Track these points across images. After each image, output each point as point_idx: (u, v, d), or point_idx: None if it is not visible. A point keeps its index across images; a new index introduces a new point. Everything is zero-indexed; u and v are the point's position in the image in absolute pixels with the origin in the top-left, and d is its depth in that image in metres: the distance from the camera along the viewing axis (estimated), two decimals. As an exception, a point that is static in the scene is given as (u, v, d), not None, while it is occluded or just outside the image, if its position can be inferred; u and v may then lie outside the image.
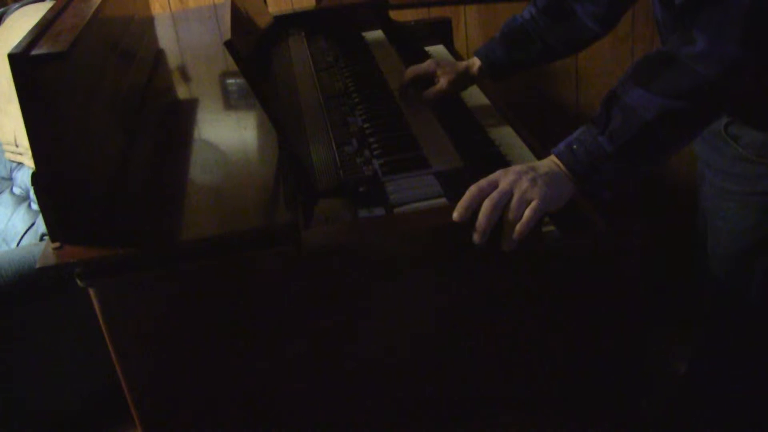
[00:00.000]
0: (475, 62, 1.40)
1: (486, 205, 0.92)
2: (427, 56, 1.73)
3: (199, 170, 1.11)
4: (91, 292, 0.91)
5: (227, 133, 1.24)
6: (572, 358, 1.07)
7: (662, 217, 2.13)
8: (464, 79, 1.41)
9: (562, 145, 0.98)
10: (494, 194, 0.92)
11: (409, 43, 1.81)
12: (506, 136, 1.31)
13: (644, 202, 2.18)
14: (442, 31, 1.87)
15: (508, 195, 0.93)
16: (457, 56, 1.76)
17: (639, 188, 2.17)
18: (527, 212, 0.92)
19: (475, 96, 1.48)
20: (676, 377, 1.73)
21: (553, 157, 0.99)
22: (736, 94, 0.95)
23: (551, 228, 1.04)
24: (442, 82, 1.38)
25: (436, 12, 2.07)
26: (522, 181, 0.93)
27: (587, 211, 1.09)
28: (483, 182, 0.94)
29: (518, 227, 0.91)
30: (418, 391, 1.06)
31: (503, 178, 0.94)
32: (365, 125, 1.28)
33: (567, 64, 2.09)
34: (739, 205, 1.16)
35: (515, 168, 0.96)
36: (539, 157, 1.22)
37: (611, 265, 1.00)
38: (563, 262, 0.98)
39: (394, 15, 1.93)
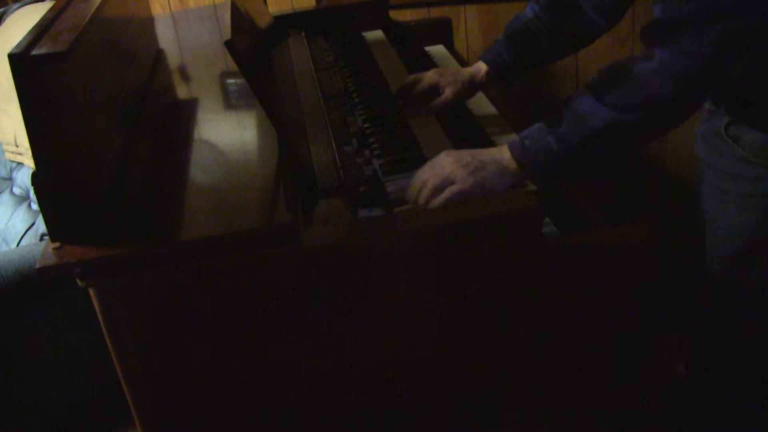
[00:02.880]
0: (482, 68, 1.40)
1: (415, 181, 1.05)
2: (427, 56, 1.73)
3: (199, 170, 1.11)
4: (91, 292, 0.91)
5: (227, 133, 1.24)
6: (572, 357, 1.07)
7: (662, 217, 2.13)
8: (470, 87, 1.40)
9: (516, 138, 1.03)
10: (429, 175, 1.03)
11: (409, 43, 1.81)
12: (506, 135, 1.31)
13: (644, 202, 2.18)
14: (442, 31, 1.87)
15: (441, 176, 1.02)
16: (458, 56, 1.76)
17: (639, 189, 2.17)
18: (445, 193, 1.01)
19: (476, 98, 1.48)
20: (676, 378, 1.73)
21: (505, 147, 1.04)
22: (689, 112, 0.97)
23: (551, 228, 1.04)
24: (447, 92, 1.38)
25: (436, 12, 2.07)
26: (455, 165, 1.02)
27: (587, 211, 1.09)
28: (428, 164, 1.05)
29: (435, 201, 1.02)
30: (418, 390, 1.06)
31: (444, 159, 1.04)
32: (365, 125, 1.28)
33: (567, 64, 2.09)
34: (738, 206, 1.16)
35: (460, 152, 1.05)
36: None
37: (611, 265, 1.00)
38: (563, 262, 0.98)
39: (394, 15, 1.93)
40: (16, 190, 2.19)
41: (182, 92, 1.46)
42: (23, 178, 2.17)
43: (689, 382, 1.44)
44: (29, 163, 2.14)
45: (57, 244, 0.91)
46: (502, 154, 1.04)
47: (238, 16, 1.17)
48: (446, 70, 1.43)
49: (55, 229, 0.90)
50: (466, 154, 1.05)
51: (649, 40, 0.95)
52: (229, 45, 0.97)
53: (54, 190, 0.90)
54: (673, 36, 0.92)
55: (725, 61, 0.92)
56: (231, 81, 1.45)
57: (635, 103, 0.94)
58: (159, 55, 1.60)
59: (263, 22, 1.50)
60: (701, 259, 1.28)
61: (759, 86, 1.06)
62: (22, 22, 2.11)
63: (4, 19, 2.21)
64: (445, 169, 1.03)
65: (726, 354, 1.31)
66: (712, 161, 1.19)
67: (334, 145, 1.23)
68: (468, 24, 2.09)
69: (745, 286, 1.20)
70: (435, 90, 1.40)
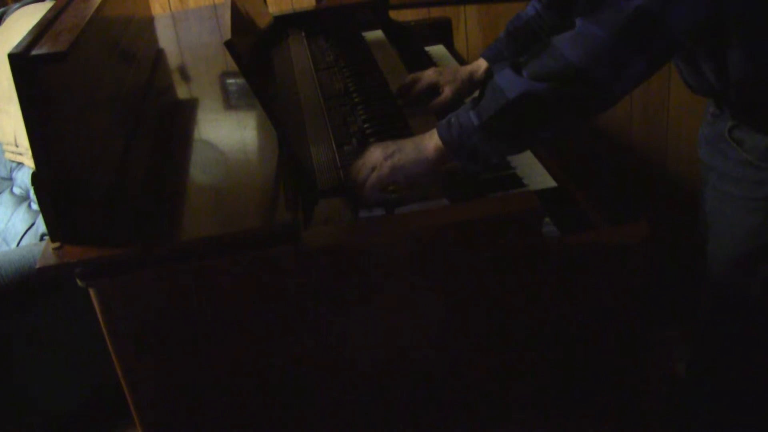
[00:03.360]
0: (481, 65, 1.40)
1: (349, 175, 1.09)
2: (427, 56, 1.73)
3: (199, 170, 1.11)
4: (91, 292, 0.91)
5: (227, 133, 1.24)
6: (572, 357, 1.07)
7: (662, 217, 2.13)
8: (469, 85, 1.40)
9: (446, 117, 1.05)
10: (359, 167, 1.08)
11: (409, 43, 1.81)
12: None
13: (644, 202, 2.18)
14: (442, 31, 1.87)
15: (366, 166, 1.07)
16: (457, 56, 1.76)
17: (639, 189, 2.17)
18: (371, 178, 1.05)
19: (474, 94, 1.48)
20: (676, 378, 1.73)
21: (434, 129, 1.05)
22: (603, 90, 0.95)
23: (551, 228, 1.04)
24: (447, 91, 1.38)
25: (436, 12, 2.07)
26: (376, 152, 1.07)
27: (587, 211, 1.09)
28: (360, 157, 1.10)
29: (364, 189, 1.06)
30: (418, 390, 1.06)
31: (369, 149, 1.09)
32: (365, 125, 1.28)
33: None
34: (741, 209, 1.16)
35: (386, 142, 1.09)
36: (537, 154, 1.22)
37: (611, 265, 1.00)
38: (563, 262, 0.98)
39: (394, 15, 1.93)
40: (16, 190, 2.19)
41: (182, 92, 1.46)
42: (23, 178, 2.17)
43: (689, 382, 1.44)
44: (29, 163, 2.13)
45: (57, 244, 0.91)
46: (424, 137, 1.06)
47: (238, 16, 1.17)
48: (445, 69, 1.43)
49: (55, 229, 0.90)
50: (390, 142, 1.08)
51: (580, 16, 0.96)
52: (229, 45, 0.97)
53: (54, 190, 0.90)
54: (595, 9, 0.92)
55: (637, 39, 0.91)
56: (231, 81, 1.45)
57: (547, 72, 0.93)
58: (159, 55, 1.60)
59: (263, 22, 1.50)
60: (702, 261, 1.28)
61: (763, 90, 1.06)
62: (22, 22, 2.10)
63: (4, 19, 2.21)
64: (369, 159, 1.07)
65: (726, 355, 1.31)
66: (716, 164, 1.19)
67: (334, 145, 1.23)
68: (468, 24, 2.09)
69: (747, 289, 1.20)
70: (434, 89, 1.39)
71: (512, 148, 1.07)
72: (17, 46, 0.89)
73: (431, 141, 1.05)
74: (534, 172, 1.19)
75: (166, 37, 1.71)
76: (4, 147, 2.20)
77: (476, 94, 1.45)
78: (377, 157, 1.06)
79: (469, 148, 1.01)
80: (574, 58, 0.92)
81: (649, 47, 0.92)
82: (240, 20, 1.17)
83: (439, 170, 1.06)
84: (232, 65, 1.04)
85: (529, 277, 0.99)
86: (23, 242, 2.00)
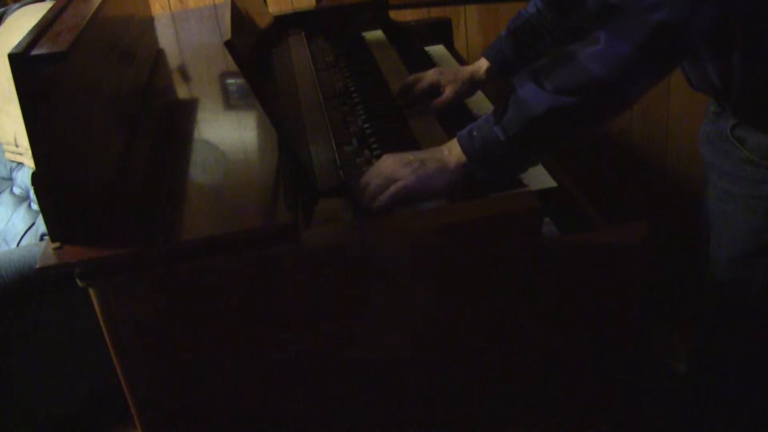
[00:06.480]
0: (482, 65, 1.40)
1: (360, 184, 1.07)
2: (427, 56, 1.73)
3: (199, 170, 1.10)
4: (91, 292, 0.91)
5: (227, 133, 1.24)
6: (572, 357, 1.07)
7: (662, 217, 2.13)
8: (470, 85, 1.40)
9: (465, 130, 1.04)
10: (372, 176, 1.06)
11: (409, 43, 1.81)
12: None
13: (644, 202, 2.18)
14: (442, 31, 1.87)
15: (383, 175, 1.06)
16: (458, 56, 1.76)
17: (639, 189, 2.17)
18: (390, 189, 1.04)
19: (476, 98, 1.48)
20: (676, 377, 1.74)
21: (455, 140, 1.05)
22: (629, 98, 0.98)
23: (551, 228, 1.04)
24: (448, 92, 1.38)
25: (436, 12, 2.07)
26: (396, 164, 1.05)
27: (587, 211, 1.09)
28: (372, 168, 1.08)
29: (379, 199, 1.04)
30: (418, 391, 1.06)
31: (385, 160, 1.07)
32: (365, 125, 1.28)
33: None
34: (743, 208, 1.16)
35: (400, 153, 1.07)
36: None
37: (611, 264, 1.00)
38: (563, 262, 0.98)
39: (394, 15, 1.93)
40: (16, 190, 2.19)
41: (182, 92, 1.46)
42: (23, 178, 2.17)
43: (691, 382, 1.44)
44: (29, 163, 2.13)
45: (57, 244, 0.91)
46: (443, 150, 1.05)
47: (238, 16, 1.17)
48: (446, 69, 1.43)
49: (55, 229, 0.90)
50: (407, 154, 1.07)
51: (597, 24, 0.96)
52: (229, 45, 0.97)
53: (54, 190, 0.90)
54: (615, 19, 0.93)
55: (660, 50, 0.92)
56: (231, 81, 1.45)
57: (573, 86, 0.94)
58: (159, 55, 1.59)
59: (263, 22, 1.50)
60: (704, 261, 1.28)
61: (765, 89, 1.06)
62: (22, 22, 2.10)
63: (4, 19, 2.21)
64: (387, 170, 1.05)
65: (728, 354, 1.31)
66: (717, 162, 1.19)
67: (334, 145, 1.23)
68: (468, 24, 2.09)
69: (748, 287, 1.20)
70: (435, 89, 1.40)
71: (537, 157, 1.07)
72: (17, 46, 0.89)
73: (452, 154, 1.04)
74: (534, 172, 1.19)
75: (166, 37, 1.71)
76: (4, 147, 2.20)
77: (479, 95, 1.47)
78: (399, 170, 1.05)
79: (494, 161, 1.01)
80: (600, 73, 0.92)
81: (669, 57, 0.94)
82: (240, 20, 1.17)
83: (460, 182, 1.05)
84: (232, 65, 1.04)
85: (529, 277, 0.99)
86: (23, 242, 2.00)
